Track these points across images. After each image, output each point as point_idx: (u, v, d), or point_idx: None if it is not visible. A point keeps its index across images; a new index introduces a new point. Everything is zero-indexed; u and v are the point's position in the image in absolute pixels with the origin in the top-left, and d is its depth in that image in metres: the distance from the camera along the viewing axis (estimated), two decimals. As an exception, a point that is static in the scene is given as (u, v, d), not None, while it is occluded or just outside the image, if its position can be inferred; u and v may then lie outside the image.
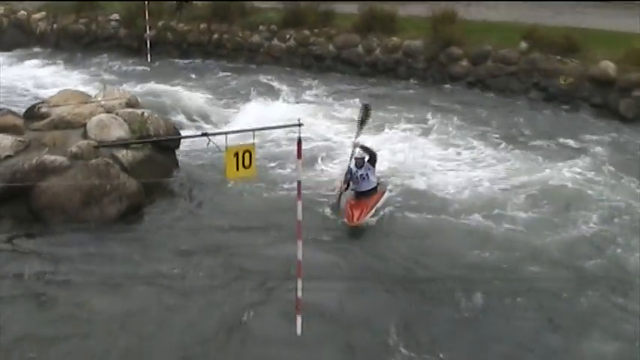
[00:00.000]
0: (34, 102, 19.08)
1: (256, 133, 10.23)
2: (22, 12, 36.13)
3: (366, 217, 14.59)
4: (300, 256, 10.75)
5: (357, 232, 14.51)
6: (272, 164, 17.78)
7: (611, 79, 21.85)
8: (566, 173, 17.16)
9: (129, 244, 14.13)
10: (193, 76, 28.08)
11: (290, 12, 30.42)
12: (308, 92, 25.63)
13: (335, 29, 29.09)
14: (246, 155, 9.97)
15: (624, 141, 19.75)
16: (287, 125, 11.08)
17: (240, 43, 31.22)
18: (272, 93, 25.53)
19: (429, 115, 22.23)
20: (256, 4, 32.27)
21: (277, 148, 18.76)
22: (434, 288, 12.42)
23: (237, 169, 9.98)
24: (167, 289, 12.41)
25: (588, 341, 10.92)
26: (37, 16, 35.71)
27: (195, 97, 24.36)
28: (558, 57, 23.60)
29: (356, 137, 15.60)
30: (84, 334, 11.10)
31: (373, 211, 14.91)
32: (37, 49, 33.74)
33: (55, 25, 35.26)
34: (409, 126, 21.43)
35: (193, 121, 21.95)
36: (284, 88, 26.39)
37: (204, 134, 10.75)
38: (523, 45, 24.57)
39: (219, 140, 10.03)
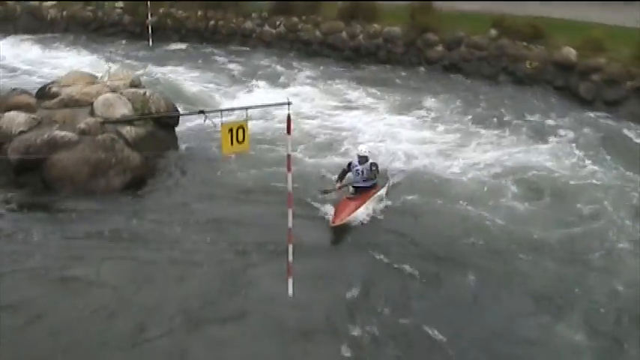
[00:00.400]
0: (45, 82, 18.92)
1: (249, 111, 10.19)
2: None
3: (348, 218, 13.57)
4: (290, 224, 10.76)
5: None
6: (264, 140, 17.67)
7: (572, 64, 21.83)
8: (534, 152, 17.36)
9: (132, 212, 14.08)
10: (191, 58, 27.86)
11: (280, 1, 30.26)
12: (297, 74, 25.53)
13: (321, 17, 28.98)
14: (240, 131, 9.93)
15: (586, 121, 19.75)
16: (278, 104, 10.98)
17: (234, 29, 31.15)
18: (264, 74, 25.44)
19: (406, 96, 22.38)
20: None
21: (269, 125, 18.60)
22: (421, 263, 12.21)
23: (232, 143, 9.95)
24: (167, 254, 12.38)
25: (572, 321, 10.72)
26: (48, 3, 35.33)
27: (193, 77, 24.24)
28: (525, 43, 23.59)
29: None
30: (90, 293, 11.10)
31: (363, 209, 13.96)
32: (48, 35, 33.41)
33: (64, 13, 34.98)
34: (388, 105, 21.56)
35: (191, 99, 21.79)
36: (275, 70, 26.33)
37: (201, 112, 10.67)
38: (493, 32, 24.53)
39: (215, 117, 9.97)
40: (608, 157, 16.93)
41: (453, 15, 26.48)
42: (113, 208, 14.22)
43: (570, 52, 21.95)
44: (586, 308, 10.98)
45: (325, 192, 14.46)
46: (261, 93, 22.01)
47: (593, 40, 21.63)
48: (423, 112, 20.76)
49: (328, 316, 10.65)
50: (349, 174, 14.73)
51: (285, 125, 10.36)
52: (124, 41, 31.90)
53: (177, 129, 17.66)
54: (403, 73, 25.48)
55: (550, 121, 19.76)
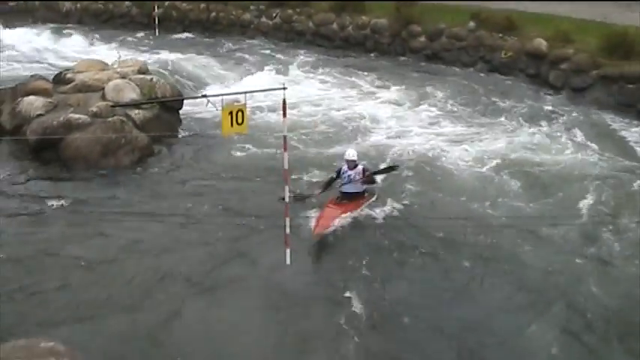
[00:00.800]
0: (60, 69, 18.87)
1: (248, 95, 10.20)
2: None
3: (329, 229, 11.81)
4: (287, 198, 10.82)
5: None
6: (262, 122, 17.66)
7: (543, 54, 21.81)
8: (507, 134, 17.38)
9: (140, 187, 14.12)
10: (194, 47, 27.67)
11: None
12: (292, 61, 25.43)
13: (314, 9, 29.02)
14: (239, 114, 9.92)
15: (554, 106, 19.80)
16: (274, 88, 10.98)
17: (233, 20, 31.28)
18: (261, 62, 25.42)
19: (391, 82, 22.37)
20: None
21: (266, 108, 18.56)
22: (411, 237, 11.98)
23: (232, 125, 9.94)
24: (172, 225, 12.39)
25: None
26: (64, -4, 35.47)
27: (196, 65, 24.13)
28: (500, 35, 23.54)
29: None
30: (99, 257, 11.15)
31: (348, 217, 12.30)
32: (63, 25, 33.27)
33: (78, 5, 35.23)
34: (374, 90, 21.61)
35: (195, 84, 21.74)
36: (271, 57, 26.32)
37: (204, 96, 10.63)
38: (471, 24, 24.47)
39: (216, 101, 9.98)
40: (577, 139, 16.99)
41: (435, 7, 26.43)
42: (122, 183, 14.26)
43: (541, 43, 21.93)
44: (576, 304, 10.14)
45: (298, 199, 12.41)
46: (259, 78, 21.94)
47: (562, 32, 21.65)
48: (406, 96, 20.75)
49: (322, 283, 10.68)
50: (337, 180, 12.81)
51: (280, 107, 10.45)
52: (132, 31, 31.76)
53: (181, 112, 17.63)
54: (389, 62, 25.48)
55: (522, 106, 19.76)
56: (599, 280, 10.64)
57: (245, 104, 10.00)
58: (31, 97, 15.98)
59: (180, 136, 16.98)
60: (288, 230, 10.75)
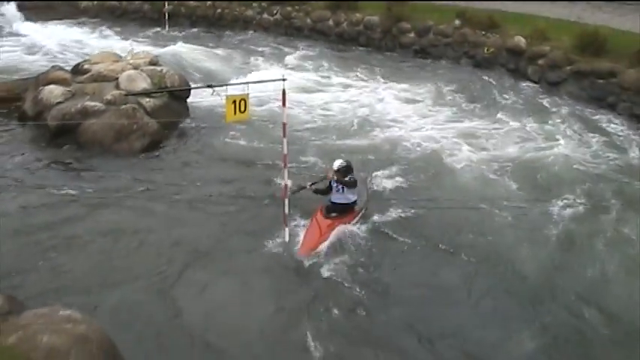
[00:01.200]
0: (78, 61, 18.79)
1: (250, 85, 10.21)
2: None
3: (317, 249, 10.60)
4: (286, 181, 10.83)
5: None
6: (263, 111, 17.60)
7: (522, 50, 21.78)
8: (490, 124, 17.43)
9: (150, 170, 14.09)
10: (201, 41, 27.53)
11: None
12: (290, 54, 25.41)
13: (311, 6, 29.06)
14: (242, 102, 9.94)
15: (533, 98, 19.89)
16: (274, 79, 10.96)
17: (237, 16, 31.33)
18: (262, 54, 25.43)
19: (382, 75, 22.39)
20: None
21: (267, 97, 18.47)
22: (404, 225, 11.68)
23: (235, 113, 9.96)
24: (180, 203, 12.42)
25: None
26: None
27: (203, 57, 24.11)
28: (483, 32, 23.49)
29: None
30: (112, 234, 11.16)
31: (335, 234, 10.92)
32: (80, 20, 33.13)
33: (94, 2, 35.35)
34: (367, 82, 21.57)
35: (201, 75, 21.72)
36: (272, 51, 26.31)
37: (209, 85, 10.62)
38: (457, 22, 24.43)
39: (221, 91, 9.96)
40: (552, 128, 17.05)
41: (423, 6, 26.41)
42: (134, 166, 14.23)
43: (521, 41, 21.92)
44: (574, 303, 9.65)
45: (294, 192, 11.43)
46: (260, 70, 21.95)
47: (539, 30, 21.62)
48: (395, 88, 20.69)
49: (315, 258, 10.61)
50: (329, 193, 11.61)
51: (280, 97, 10.47)
52: (144, 26, 31.69)
53: (188, 100, 17.56)
54: (380, 56, 25.45)
55: (503, 97, 19.83)
56: (595, 280, 10.21)
57: (248, 94, 10.01)
58: (52, 86, 15.96)
59: (187, 122, 16.91)
60: (287, 210, 10.77)
